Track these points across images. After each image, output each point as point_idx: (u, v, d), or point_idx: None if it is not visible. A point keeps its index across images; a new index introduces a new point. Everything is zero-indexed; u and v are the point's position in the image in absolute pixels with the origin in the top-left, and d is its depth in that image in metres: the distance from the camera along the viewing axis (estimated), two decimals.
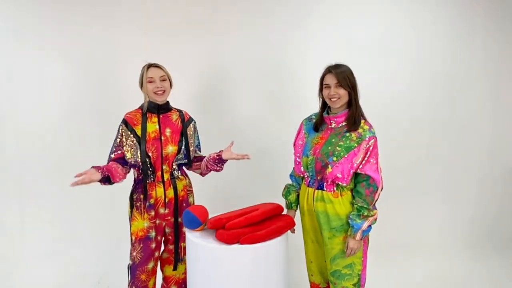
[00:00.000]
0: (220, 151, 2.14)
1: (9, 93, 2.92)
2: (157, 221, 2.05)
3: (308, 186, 1.95)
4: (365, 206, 1.81)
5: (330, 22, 3.00)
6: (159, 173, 2.03)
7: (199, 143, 2.25)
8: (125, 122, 2.03)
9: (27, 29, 2.87)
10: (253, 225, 1.83)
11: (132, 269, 2.04)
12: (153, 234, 2.04)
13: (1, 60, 2.89)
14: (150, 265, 2.05)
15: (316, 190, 1.91)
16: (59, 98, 2.94)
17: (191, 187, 2.20)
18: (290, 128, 2.10)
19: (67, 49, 2.90)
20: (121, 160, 2.02)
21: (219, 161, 2.13)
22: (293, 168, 2.09)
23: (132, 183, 2.10)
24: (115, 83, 2.93)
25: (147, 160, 2.00)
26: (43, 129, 2.95)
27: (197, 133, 2.23)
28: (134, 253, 2.03)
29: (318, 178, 1.90)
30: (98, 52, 2.92)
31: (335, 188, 1.87)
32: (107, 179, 1.92)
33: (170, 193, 2.05)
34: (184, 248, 2.10)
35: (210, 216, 1.91)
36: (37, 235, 3.00)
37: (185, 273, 2.14)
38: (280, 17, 2.99)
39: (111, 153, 2.05)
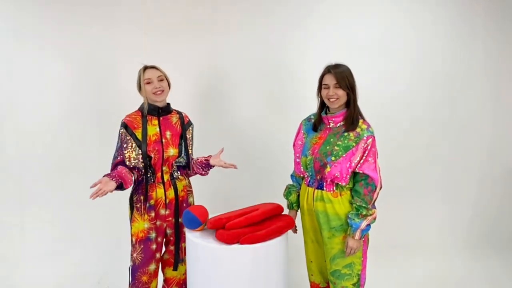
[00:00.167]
0: (208, 156, 2.14)
1: (9, 93, 2.92)
2: (158, 222, 2.05)
3: (308, 185, 1.95)
4: (363, 205, 1.81)
5: (330, 22, 3.00)
6: (159, 174, 2.03)
7: (192, 145, 2.23)
8: (125, 125, 2.02)
9: (27, 29, 2.87)
10: (253, 225, 1.83)
11: (132, 270, 2.04)
12: (153, 235, 2.04)
13: (1, 60, 2.89)
14: (152, 266, 2.04)
15: (316, 190, 1.91)
16: (59, 98, 2.94)
17: (190, 187, 2.20)
18: (290, 128, 2.10)
19: (67, 49, 2.90)
20: (125, 165, 2.01)
21: (205, 166, 2.14)
22: (294, 168, 2.09)
23: (132, 184, 2.10)
24: (115, 83, 2.93)
25: (148, 163, 2.00)
26: (43, 129, 2.95)
27: (193, 136, 2.22)
28: (135, 255, 2.03)
29: (318, 177, 1.90)
30: (98, 52, 2.91)
31: (334, 188, 1.87)
32: (119, 186, 1.91)
33: (171, 193, 2.05)
34: (185, 248, 2.10)
35: (210, 216, 1.91)
36: (37, 235, 3.00)
37: (185, 273, 2.14)
38: (280, 17, 2.99)
39: (114, 158, 2.04)
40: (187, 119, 2.18)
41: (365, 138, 1.83)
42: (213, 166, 2.16)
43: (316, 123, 1.97)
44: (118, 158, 2.02)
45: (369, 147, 1.83)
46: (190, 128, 2.17)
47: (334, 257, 1.90)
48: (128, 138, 2.00)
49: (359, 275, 1.92)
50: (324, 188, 1.88)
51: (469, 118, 3.20)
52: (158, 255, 2.08)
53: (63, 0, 2.86)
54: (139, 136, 2.00)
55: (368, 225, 1.83)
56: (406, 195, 3.18)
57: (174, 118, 2.12)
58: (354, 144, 1.83)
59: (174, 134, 2.07)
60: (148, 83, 2.00)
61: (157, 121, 2.06)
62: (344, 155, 1.82)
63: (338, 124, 1.91)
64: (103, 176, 1.87)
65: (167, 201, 2.04)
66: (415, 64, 3.10)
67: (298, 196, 2.07)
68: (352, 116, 1.87)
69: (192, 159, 2.19)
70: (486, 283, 2.84)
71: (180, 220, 2.09)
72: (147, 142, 1.99)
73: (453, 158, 3.22)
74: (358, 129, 1.85)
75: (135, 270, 2.03)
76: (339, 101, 1.87)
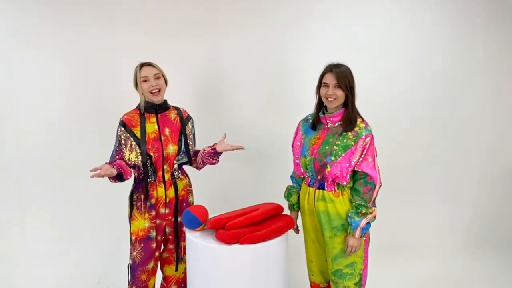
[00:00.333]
0: (214, 144, 2.13)
1: (9, 93, 2.92)
2: (157, 221, 2.05)
3: (309, 186, 1.95)
4: (363, 203, 1.82)
5: (330, 22, 3.00)
6: (160, 173, 2.03)
7: (194, 140, 2.24)
8: (123, 124, 2.02)
9: (27, 29, 2.87)
10: (253, 225, 1.83)
11: (132, 268, 2.04)
12: (153, 234, 2.04)
13: (1, 60, 2.89)
14: (150, 265, 2.05)
15: (317, 190, 1.91)
16: (59, 98, 2.94)
17: (191, 186, 2.20)
18: (290, 128, 2.10)
19: (67, 49, 2.90)
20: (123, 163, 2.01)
21: (214, 154, 2.13)
22: (293, 169, 2.09)
23: (132, 182, 2.10)
24: (115, 83, 2.93)
25: (148, 160, 2.00)
26: (43, 129, 2.95)
27: (194, 130, 2.22)
28: (134, 253, 2.03)
29: (319, 177, 1.90)
30: (98, 52, 2.91)
31: (336, 188, 1.87)
32: (118, 176, 1.93)
33: (171, 193, 2.05)
34: (184, 247, 2.10)
35: (210, 216, 1.91)
36: (37, 235, 3.00)
37: (184, 272, 2.15)
38: (280, 17, 2.99)
39: (112, 156, 2.04)
40: (186, 114, 2.17)
41: (363, 136, 1.83)
42: (221, 153, 2.14)
43: (314, 122, 1.97)
44: (117, 156, 2.02)
45: (367, 146, 1.83)
46: (190, 122, 2.16)
47: (336, 256, 1.90)
48: (127, 137, 1.99)
49: (360, 274, 1.93)
50: (326, 188, 1.88)
51: (469, 118, 3.20)
52: (157, 254, 2.08)
53: (63, 0, 2.87)
54: (138, 134, 1.99)
55: (368, 223, 1.83)
56: (406, 195, 3.18)
57: (173, 114, 2.11)
58: (353, 143, 1.83)
59: (173, 131, 2.07)
60: (145, 81, 1.99)
61: (155, 118, 2.05)
62: (343, 155, 1.82)
63: (336, 124, 1.91)
64: (104, 164, 1.88)
65: (167, 200, 2.04)
66: (415, 64, 3.09)
67: (299, 197, 2.07)
68: (350, 117, 1.87)
69: (198, 151, 2.19)
70: (486, 283, 2.84)
71: (179, 219, 2.09)
72: (146, 140, 1.99)
73: (453, 158, 3.22)
74: (356, 128, 1.86)
75: (135, 269, 2.03)
76: (337, 101, 1.87)
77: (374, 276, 2.38)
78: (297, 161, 2.00)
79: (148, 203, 2.02)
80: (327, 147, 1.86)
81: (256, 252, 1.75)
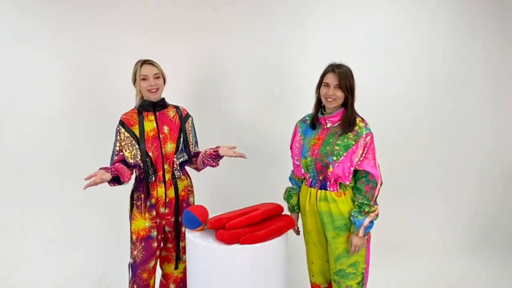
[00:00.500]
0: (217, 147, 2.13)
1: (9, 93, 2.92)
2: (158, 220, 2.05)
3: (310, 186, 1.95)
4: (365, 202, 1.82)
5: (330, 22, 3.00)
6: (160, 173, 2.03)
7: (196, 139, 2.23)
8: (122, 123, 2.03)
9: (27, 29, 2.87)
10: (253, 225, 1.83)
11: (133, 267, 2.04)
12: (154, 233, 2.04)
13: (1, 60, 2.89)
14: (151, 263, 2.05)
15: (319, 190, 1.91)
16: (59, 98, 2.95)
17: (192, 187, 2.20)
18: (290, 128, 2.10)
19: (67, 49, 2.90)
20: (124, 162, 2.01)
21: (215, 157, 2.12)
22: (292, 171, 2.09)
23: (134, 182, 2.10)
24: (115, 83, 2.93)
25: (148, 159, 2.00)
26: (43, 129, 2.95)
27: (194, 128, 2.21)
28: (135, 252, 2.03)
29: (320, 178, 1.90)
30: (98, 52, 2.92)
31: (338, 188, 1.87)
32: (116, 180, 1.92)
33: (171, 193, 2.05)
34: (184, 247, 2.10)
35: (210, 216, 1.91)
36: (37, 235, 3.00)
37: (183, 272, 2.15)
38: (280, 17, 2.99)
39: (112, 156, 2.05)
40: (185, 112, 2.16)
41: (364, 135, 1.84)
42: (222, 157, 2.13)
43: (314, 121, 1.96)
44: (116, 158, 2.02)
45: (368, 144, 1.84)
46: (189, 120, 2.16)
47: (339, 256, 1.90)
48: (127, 136, 2.00)
49: (363, 274, 1.93)
50: (328, 188, 1.88)
51: (469, 118, 3.20)
52: (158, 252, 2.09)
53: (63, 0, 2.87)
54: (137, 133, 2.00)
55: (371, 222, 1.83)
56: (406, 195, 3.18)
57: (171, 112, 2.11)
58: (353, 142, 1.83)
59: (172, 129, 2.06)
60: (144, 79, 2.00)
61: (154, 116, 2.05)
62: (345, 154, 1.83)
63: (336, 124, 1.91)
64: (99, 169, 1.87)
65: (167, 200, 2.04)
66: (415, 64, 3.10)
67: (299, 198, 2.07)
68: (349, 119, 1.87)
69: (199, 152, 2.18)
70: (486, 283, 2.84)
71: (180, 219, 2.09)
72: (144, 138, 1.99)
73: (453, 158, 3.22)
74: (356, 128, 1.86)
75: (136, 268, 2.03)
76: (336, 102, 1.86)
77: (374, 276, 2.38)
78: (297, 163, 1.98)
79: (148, 203, 2.02)
80: (328, 148, 1.86)
81: (256, 252, 1.75)
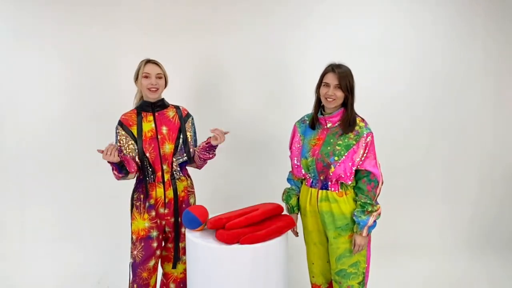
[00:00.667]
0: (208, 139, 2.07)
1: (9, 93, 2.92)
2: (158, 221, 2.06)
3: (311, 186, 1.94)
4: (368, 201, 1.82)
5: (330, 22, 3.00)
6: (159, 174, 2.03)
7: (195, 139, 2.21)
8: (120, 124, 2.04)
9: (27, 29, 2.87)
10: (253, 225, 1.83)
11: (133, 267, 2.05)
12: (154, 233, 2.04)
13: (1, 60, 2.89)
14: (151, 263, 2.06)
15: (320, 190, 1.91)
16: (59, 98, 2.94)
17: (192, 188, 2.19)
18: (290, 128, 2.10)
19: (67, 49, 2.90)
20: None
21: (209, 148, 2.08)
22: (290, 172, 2.09)
23: (134, 182, 2.10)
24: (115, 83, 2.93)
25: (146, 160, 2.00)
26: (43, 129, 2.95)
27: (194, 128, 2.20)
28: (135, 252, 2.04)
29: (321, 178, 1.90)
30: (98, 52, 2.91)
31: (339, 187, 1.87)
32: (122, 169, 1.91)
33: (170, 193, 2.05)
34: (183, 248, 2.10)
35: (210, 216, 1.91)
36: (37, 235, 3.00)
37: (183, 272, 2.15)
38: (280, 17, 2.99)
39: None
40: (186, 112, 2.14)
41: (365, 135, 1.84)
42: (216, 146, 2.09)
43: (313, 121, 1.96)
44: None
45: (369, 144, 1.84)
46: (190, 119, 2.14)
47: (340, 256, 1.90)
48: (125, 136, 2.01)
49: (364, 273, 1.93)
50: (329, 188, 1.88)
51: (469, 118, 3.20)
52: (158, 252, 2.09)
53: (63, 0, 2.87)
54: (135, 133, 2.01)
55: (375, 221, 1.84)
56: (406, 195, 3.18)
57: (171, 113, 2.10)
58: (354, 142, 1.84)
59: (171, 129, 2.06)
60: (146, 77, 2.00)
61: (152, 117, 2.05)
62: (346, 154, 1.83)
63: (336, 124, 1.91)
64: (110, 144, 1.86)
65: (166, 200, 2.04)
66: (415, 64, 3.10)
67: (298, 199, 2.07)
68: (349, 119, 1.87)
69: (195, 150, 2.16)
70: (486, 283, 2.84)
71: (179, 220, 2.09)
72: (142, 138, 1.99)
73: (453, 158, 3.22)
74: (356, 127, 1.86)
75: (136, 267, 2.04)
76: (336, 102, 1.87)
77: (375, 276, 2.38)
78: (297, 163, 1.98)
79: (147, 204, 2.03)
80: (329, 148, 1.86)
81: (256, 252, 1.75)
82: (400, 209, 3.15)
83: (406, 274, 2.90)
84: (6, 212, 3.00)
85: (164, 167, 2.03)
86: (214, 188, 2.98)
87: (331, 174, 1.84)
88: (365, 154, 1.84)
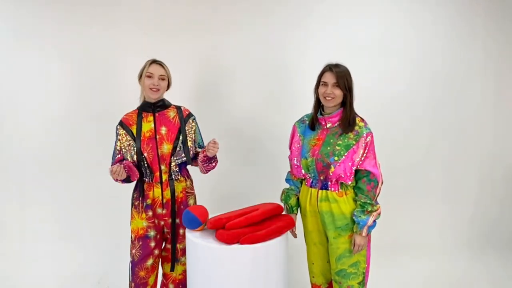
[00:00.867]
0: (203, 151, 2.06)
1: (9, 93, 2.93)
2: (156, 221, 2.06)
3: (311, 187, 1.94)
4: (368, 201, 1.82)
5: (330, 22, 3.00)
6: (157, 174, 2.03)
7: (201, 139, 2.18)
8: (121, 123, 2.05)
9: (27, 29, 2.87)
10: (253, 225, 1.83)
11: (132, 266, 2.07)
12: (151, 233, 2.05)
13: (1, 60, 2.89)
14: (149, 262, 2.06)
15: (320, 190, 1.91)
16: (59, 98, 2.95)
17: (192, 189, 2.17)
18: (290, 128, 2.10)
19: (67, 49, 2.91)
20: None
21: (208, 160, 2.07)
22: (289, 172, 2.09)
23: (138, 177, 2.10)
24: (115, 83, 2.93)
25: (144, 160, 2.00)
26: (43, 129, 2.95)
27: (198, 128, 2.17)
28: (133, 251, 2.06)
29: (321, 178, 1.90)
30: (98, 52, 2.92)
31: (339, 188, 1.87)
32: (127, 179, 1.97)
33: (168, 194, 2.05)
34: (182, 249, 2.10)
35: (210, 216, 1.91)
36: (37, 234, 3.00)
37: (182, 274, 2.14)
38: (280, 17, 2.99)
39: (114, 155, 2.07)
40: (187, 112, 2.12)
41: (364, 135, 1.84)
42: (214, 156, 2.08)
43: (313, 121, 1.96)
44: (118, 156, 2.04)
45: (369, 144, 1.84)
46: (191, 119, 2.12)
47: (340, 256, 1.90)
48: (124, 135, 2.02)
49: (364, 273, 1.93)
50: (329, 188, 1.88)
51: (469, 118, 3.20)
52: (156, 252, 2.09)
53: (63, 0, 2.87)
54: (135, 133, 2.01)
55: (374, 221, 1.84)
56: (406, 195, 3.18)
57: (172, 113, 2.09)
58: (354, 142, 1.84)
59: (170, 129, 2.05)
60: (149, 77, 2.01)
61: (152, 117, 2.06)
62: (346, 154, 1.83)
63: (335, 124, 1.91)
64: (118, 165, 1.89)
65: (164, 201, 2.04)
66: (415, 64, 3.10)
67: (297, 199, 2.06)
68: (348, 119, 1.87)
69: (196, 160, 2.14)
70: (486, 283, 2.84)
71: (176, 221, 2.08)
72: (141, 138, 2.00)
73: (453, 158, 3.22)
74: (356, 127, 1.86)
75: (134, 266, 2.06)
76: (335, 100, 1.87)
77: (375, 276, 2.38)
78: (297, 163, 1.97)
79: (144, 203, 2.03)
80: (328, 148, 1.86)
81: (256, 252, 1.75)
82: (400, 209, 3.15)
83: (406, 274, 2.90)
84: (6, 212, 3.00)
85: (162, 167, 2.03)
86: (214, 188, 2.98)
87: (331, 174, 1.84)
88: (364, 154, 1.84)
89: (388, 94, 3.07)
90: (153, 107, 2.06)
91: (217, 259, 1.76)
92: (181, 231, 2.10)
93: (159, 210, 2.05)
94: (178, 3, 2.93)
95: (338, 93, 1.85)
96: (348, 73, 1.88)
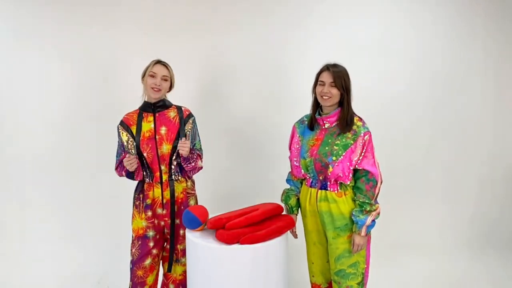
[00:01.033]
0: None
1: (9, 93, 2.92)
2: (156, 221, 2.06)
3: (311, 187, 1.95)
4: (366, 201, 1.82)
5: (330, 22, 3.00)
6: (157, 174, 2.03)
7: (198, 140, 2.16)
8: (121, 123, 2.06)
9: (27, 29, 2.87)
10: (253, 225, 1.83)
11: (131, 265, 2.08)
12: (150, 233, 2.05)
13: (1, 60, 2.89)
14: (147, 262, 2.06)
15: (320, 190, 1.91)
16: (59, 98, 2.95)
17: (193, 190, 2.16)
18: (290, 128, 2.10)
19: (67, 49, 2.90)
20: None
21: (184, 160, 2.02)
22: (289, 172, 2.09)
23: (141, 177, 2.10)
24: (115, 83, 2.93)
25: (144, 160, 2.00)
26: (43, 129, 2.95)
27: (196, 130, 2.16)
28: (133, 250, 2.07)
29: (320, 178, 1.90)
30: (98, 52, 2.92)
31: (338, 188, 1.87)
32: (131, 175, 2.01)
33: (168, 194, 2.05)
34: (182, 250, 2.10)
35: (210, 216, 1.91)
36: (37, 235, 3.00)
37: (182, 274, 2.14)
38: (280, 17, 2.99)
39: (117, 155, 2.09)
40: (187, 113, 2.12)
41: (362, 134, 1.84)
42: (188, 155, 2.02)
43: (312, 122, 1.97)
44: (122, 154, 2.06)
45: (367, 143, 1.84)
46: (191, 120, 2.11)
47: (339, 256, 1.90)
48: (125, 135, 2.02)
49: (363, 274, 1.93)
50: (328, 188, 1.88)
51: (469, 118, 3.20)
52: (155, 251, 2.08)
53: (63, 0, 2.87)
54: (134, 133, 2.02)
55: (373, 221, 1.84)
56: (406, 195, 3.18)
57: (172, 113, 2.09)
58: (352, 141, 1.84)
59: (170, 129, 2.05)
60: (152, 76, 2.01)
61: (153, 117, 2.06)
62: (344, 154, 1.83)
63: (334, 124, 1.91)
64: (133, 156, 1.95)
65: (164, 201, 2.04)
66: (415, 64, 3.10)
67: (297, 199, 2.07)
68: (346, 118, 1.87)
69: (193, 158, 2.12)
70: (486, 283, 2.84)
71: (176, 221, 2.08)
72: (140, 138, 2.01)
73: (453, 158, 3.22)
74: (354, 127, 1.87)
75: (133, 265, 2.07)
76: (332, 100, 1.87)
77: (374, 276, 2.38)
78: (297, 164, 1.98)
79: (144, 203, 2.04)
80: (327, 148, 1.86)
81: (256, 252, 1.75)
82: (400, 209, 3.15)
83: (406, 274, 2.90)
84: (6, 212, 3.00)
85: (162, 167, 2.03)
86: (214, 188, 2.97)
87: (329, 174, 1.84)
88: (363, 153, 1.84)
89: (388, 94, 3.07)
90: (153, 107, 2.06)
91: (217, 259, 1.76)
92: (181, 231, 2.10)
93: (159, 210, 2.05)
94: (178, 3, 2.93)
95: (335, 92, 1.85)
96: (346, 73, 1.88)
